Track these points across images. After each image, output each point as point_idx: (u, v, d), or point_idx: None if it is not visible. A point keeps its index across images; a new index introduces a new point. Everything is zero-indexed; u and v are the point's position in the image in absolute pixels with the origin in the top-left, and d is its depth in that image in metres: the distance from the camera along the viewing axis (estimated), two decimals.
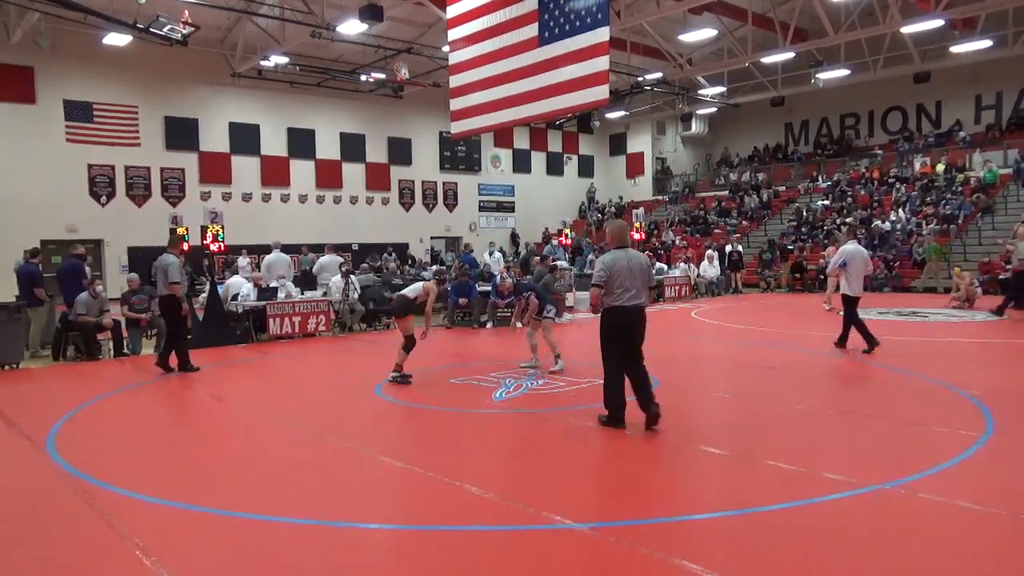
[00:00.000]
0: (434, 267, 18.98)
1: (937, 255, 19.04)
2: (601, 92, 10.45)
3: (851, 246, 10.09)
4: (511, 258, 23.24)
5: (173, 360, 9.42)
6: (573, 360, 9.26)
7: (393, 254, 20.57)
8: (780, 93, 26.08)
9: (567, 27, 10.68)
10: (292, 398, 8.00)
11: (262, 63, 20.08)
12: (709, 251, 21.29)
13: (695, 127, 31.63)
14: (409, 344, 8.21)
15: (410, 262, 22.65)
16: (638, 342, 5.86)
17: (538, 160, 31.07)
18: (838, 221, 23.63)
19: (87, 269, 12.37)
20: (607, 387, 5.94)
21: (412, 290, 8.47)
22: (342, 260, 15.26)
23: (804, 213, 25.22)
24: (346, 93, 23.67)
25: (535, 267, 14.56)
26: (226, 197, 21.98)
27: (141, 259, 19.41)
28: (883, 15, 18.69)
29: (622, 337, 5.83)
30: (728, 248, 21.90)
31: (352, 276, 13.82)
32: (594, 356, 9.81)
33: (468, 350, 11.19)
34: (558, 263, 17.53)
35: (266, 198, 23.18)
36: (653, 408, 5.72)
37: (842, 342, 9.96)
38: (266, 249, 15.78)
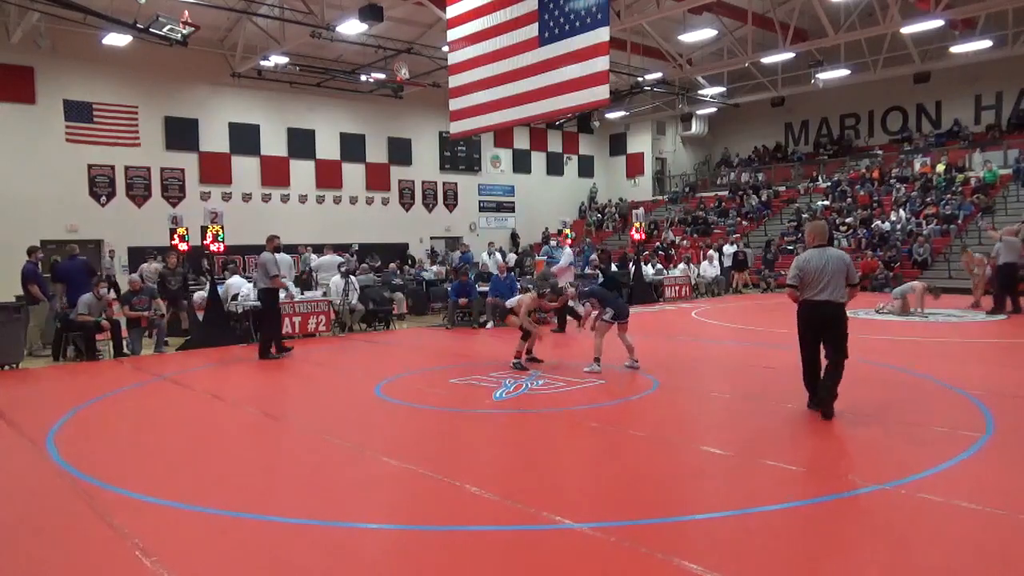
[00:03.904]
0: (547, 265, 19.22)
1: None
2: (601, 92, 10.46)
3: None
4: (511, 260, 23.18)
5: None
6: (575, 361, 9.26)
7: (355, 255, 20.41)
8: (780, 93, 26.06)
9: (567, 27, 10.68)
10: (292, 398, 8.00)
11: (262, 63, 20.05)
12: (710, 251, 21.28)
13: (695, 127, 31.59)
14: (525, 335, 8.97)
15: (410, 262, 22.65)
16: (831, 337, 6.17)
17: (538, 160, 31.04)
18: (837, 221, 23.63)
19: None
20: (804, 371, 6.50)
21: (512, 301, 9.50)
22: (341, 260, 15.24)
23: (803, 214, 25.21)
24: (346, 93, 23.65)
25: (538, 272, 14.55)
26: (226, 197, 21.95)
27: (141, 259, 19.40)
28: (883, 15, 18.69)
29: (811, 328, 6.27)
30: (733, 248, 21.85)
31: (352, 276, 13.81)
32: (591, 357, 9.81)
33: (468, 350, 11.19)
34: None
35: (266, 198, 23.16)
36: (820, 394, 6.17)
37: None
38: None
